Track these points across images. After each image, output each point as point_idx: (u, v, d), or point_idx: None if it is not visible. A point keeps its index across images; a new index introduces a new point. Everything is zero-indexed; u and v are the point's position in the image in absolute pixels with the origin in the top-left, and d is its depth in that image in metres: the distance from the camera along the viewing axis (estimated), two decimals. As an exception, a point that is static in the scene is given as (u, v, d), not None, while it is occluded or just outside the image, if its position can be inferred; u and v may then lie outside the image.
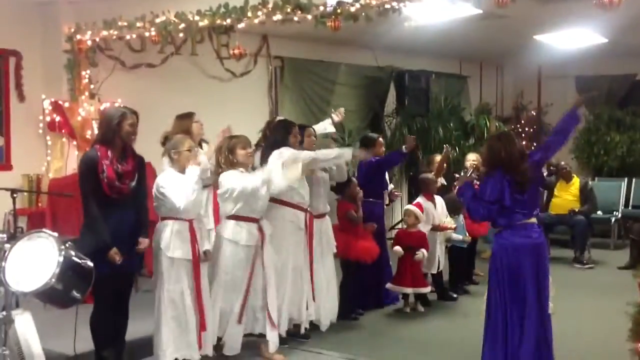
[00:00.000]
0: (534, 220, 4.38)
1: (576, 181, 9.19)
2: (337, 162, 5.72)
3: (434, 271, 6.83)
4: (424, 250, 6.47)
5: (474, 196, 4.41)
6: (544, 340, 4.29)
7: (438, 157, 7.47)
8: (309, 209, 5.53)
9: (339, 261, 6.17)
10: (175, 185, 4.58)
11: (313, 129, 5.92)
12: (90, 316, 4.58)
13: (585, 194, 9.09)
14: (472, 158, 7.72)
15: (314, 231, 5.60)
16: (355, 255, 6.06)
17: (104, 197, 4.41)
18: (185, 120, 5.62)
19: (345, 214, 6.12)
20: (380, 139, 6.80)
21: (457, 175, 7.46)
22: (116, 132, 4.51)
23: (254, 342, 5.17)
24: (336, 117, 6.33)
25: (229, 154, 4.91)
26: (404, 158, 6.78)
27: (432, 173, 7.10)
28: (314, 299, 5.61)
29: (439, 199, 6.95)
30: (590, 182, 9.53)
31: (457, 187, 4.57)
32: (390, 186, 7.20)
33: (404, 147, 6.51)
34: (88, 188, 4.42)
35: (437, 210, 6.87)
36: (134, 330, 4.87)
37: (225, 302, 4.94)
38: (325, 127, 6.38)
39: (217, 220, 5.82)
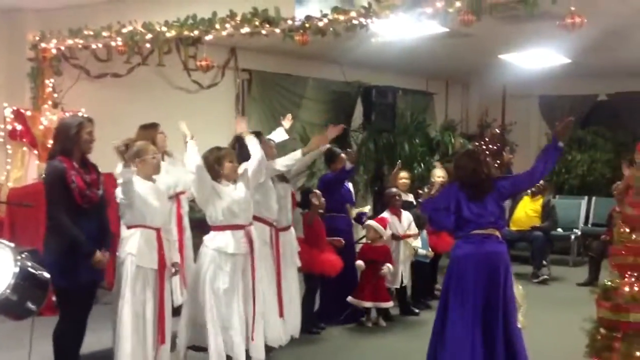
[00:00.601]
0: (492, 231, 4.40)
1: (541, 198, 9.32)
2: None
3: (397, 285, 6.86)
4: (389, 265, 6.51)
5: (435, 208, 4.54)
6: (511, 353, 4.32)
7: (403, 173, 7.52)
8: (274, 223, 5.51)
9: (301, 275, 6.16)
10: (141, 193, 4.53)
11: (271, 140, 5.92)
12: (55, 329, 4.50)
13: (547, 211, 9.23)
14: (438, 174, 7.79)
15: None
16: (319, 268, 6.06)
17: (74, 207, 4.35)
18: (149, 131, 5.58)
19: (307, 218, 6.10)
20: (343, 155, 6.77)
21: (420, 192, 7.55)
22: (75, 142, 4.45)
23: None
24: (286, 123, 6.27)
25: (215, 165, 4.88)
26: (350, 174, 6.72)
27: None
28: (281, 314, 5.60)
29: (405, 214, 6.98)
30: (552, 200, 9.68)
31: (421, 202, 4.66)
32: (366, 208, 7.20)
33: (347, 163, 6.49)
34: (57, 198, 4.36)
35: (403, 224, 6.91)
36: (91, 343, 4.78)
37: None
38: (279, 135, 6.42)
39: (179, 231, 5.80)
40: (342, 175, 6.59)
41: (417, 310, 7.00)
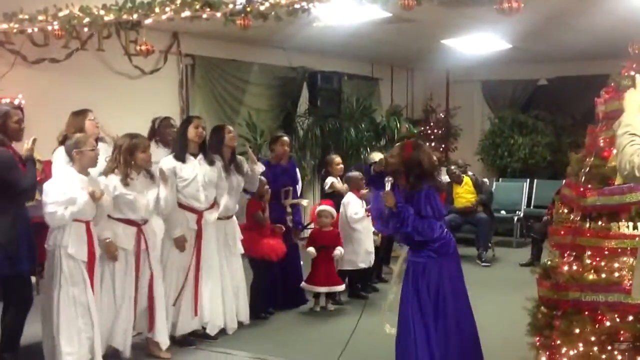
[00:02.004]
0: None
1: (467, 180, 9.39)
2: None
3: (367, 265, 6.89)
4: (340, 248, 6.55)
5: (418, 215, 4.22)
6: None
7: (338, 159, 7.56)
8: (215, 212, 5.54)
9: (247, 261, 6.15)
10: (64, 186, 4.43)
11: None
12: (1, 318, 4.49)
13: (479, 186, 9.34)
14: (376, 157, 7.83)
15: (217, 233, 5.60)
16: (261, 252, 6.06)
17: (10, 194, 4.32)
18: (78, 117, 5.41)
19: (252, 215, 6.10)
20: (284, 138, 6.74)
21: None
22: (4, 131, 4.40)
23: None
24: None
25: (128, 156, 4.80)
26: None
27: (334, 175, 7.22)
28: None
29: (360, 203, 6.99)
30: (477, 176, 9.78)
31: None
32: (304, 202, 7.17)
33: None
34: (17, 177, 4.31)
35: (365, 204, 6.93)
36: (30, 333, 4.70)
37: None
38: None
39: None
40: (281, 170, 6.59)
41: (366, 295, 7.05)
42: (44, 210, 4.42)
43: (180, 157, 5.32)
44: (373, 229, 6.99)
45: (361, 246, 6.84)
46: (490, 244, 9.19)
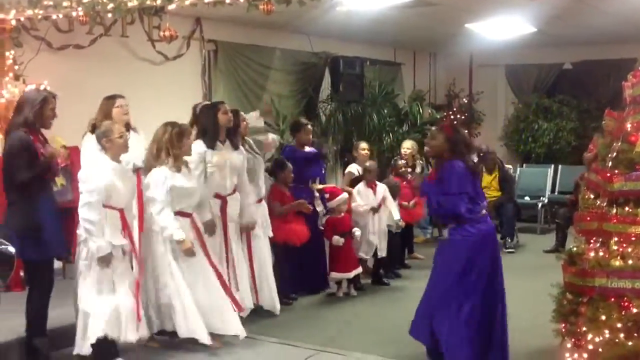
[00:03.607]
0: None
1: (496, 172, 9.29)
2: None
3: (369, 256, 6.88)
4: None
5: (441, 192, 4.30)
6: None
7: (364, 145, 7.53)
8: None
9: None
10: (97, 179, 4.46)
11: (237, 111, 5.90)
12: (29, 303, 4.51)
13: (502, 184, 9.20)
14: (407, 146, 7.82)
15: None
16: (284, 237, 6.07)
17: (39, 180, 4.35)
18: (107, 103, 5.43)
19: (271, 206, 6.10)
20: (309, 126, 6.76)
21: (393, 162, 7.56)
22: (38, 116, 4.40)
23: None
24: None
25: (176, 143, 4.82)
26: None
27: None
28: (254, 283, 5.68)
29: (381, 186, 6.98)
30: (508, 168, 9.66)
31: (420, 187, 4.48)
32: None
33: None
34: (27, 166, 4.31)
35: (377, 197, 6.92)
36: (52, 318, 4.74)
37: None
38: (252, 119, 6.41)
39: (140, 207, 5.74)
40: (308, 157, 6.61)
41: (387, 281, 7.05)
42: (81, 199, 4.43)
43: (211, 144, 5.32)
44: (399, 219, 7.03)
45: (362, 237, 6.79)
46: (514, 231, 9.13)
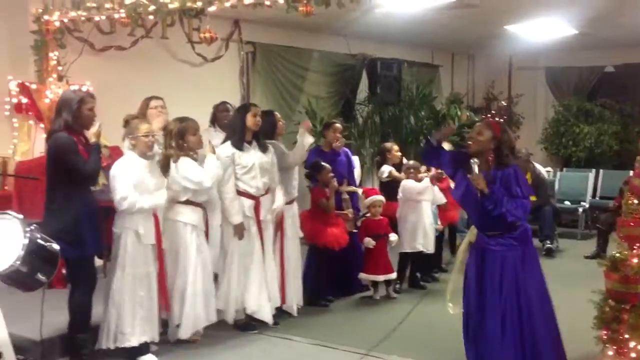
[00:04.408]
0: None
1: (528, 174, 9.15)
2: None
3: (431, 249, 6.85)
4: (395, 235, 6.55)
5: (511, 197, 4.12)
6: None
7: (395, 146, 7.49)
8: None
9: (307, 248, 6.20)
10: (127, 174, 4.53)
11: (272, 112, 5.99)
12: (71, 300, 4.59)
13: (537, 186, 9.05)
14: (446, 148, 7.71)
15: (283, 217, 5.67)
16: (323, 241, 6.07)
17: (77, 178, 4.40)
18: (144, 104, 5.59)
19: (317, 202, 6.12)
20: (337, 124, 6.74)
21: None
22: (76, 117, 4.46)
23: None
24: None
25: (179, 139, 4.89)
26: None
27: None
28: (283, 285, 5.65)
29: (424, 181, 6.92)
30: (541, 170, 9.50)
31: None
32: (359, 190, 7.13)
33: None
34: (74, 164, 4.39)
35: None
36: (99, 314, 4.79)
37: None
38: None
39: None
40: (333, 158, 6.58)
41: (424, 285, 7.00)
42: (113, 196, 4.51)
43: (239, 145, 5.36)
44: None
45: (419, 228, 6.74)
46: (554, 234, 8.99)
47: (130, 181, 4.51)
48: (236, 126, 5.42)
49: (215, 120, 6.19)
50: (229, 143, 5.38)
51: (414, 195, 6.71)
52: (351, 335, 5.42)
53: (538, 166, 9.46)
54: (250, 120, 5.39)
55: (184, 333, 4.99)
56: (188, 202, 4.99)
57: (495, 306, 4.12)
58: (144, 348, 4.66)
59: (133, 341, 4.59)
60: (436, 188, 6.88)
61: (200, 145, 5.04)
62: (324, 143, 6.70)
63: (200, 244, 5.04)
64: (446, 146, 7.72)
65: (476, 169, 4.12)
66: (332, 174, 6.20)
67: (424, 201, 6.75)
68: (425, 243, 6.79)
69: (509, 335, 4.10)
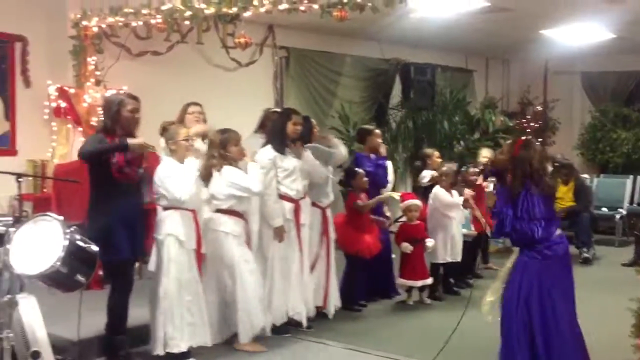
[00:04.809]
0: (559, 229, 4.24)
1: (573, 182, 9.03)
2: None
3: (459, 258, 6.80)
4: (431, 240, 6.51)
5: (515, 216, 4.09)
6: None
7: (436, 152, 7.44)
8: (318, 203, 5.70)
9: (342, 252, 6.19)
10: (176, 176, 4.57)
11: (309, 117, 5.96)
12: (109, 301, 4.63)
13: (578, 193, 8.92)
14: (485, 154, 7.66)
15: (318, 222, 5.69)
16: (356, 249, 6.06)
17: (111, 183, 4.43)
18: (182, 109, 5.65)
19: (353, 203, 6.11)
20: (377, 130, 6.75)
21: (464, 169, 7.44)
22: (116, 120, 4.50)
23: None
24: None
25: (221, 149, 4.94)
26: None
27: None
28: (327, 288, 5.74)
29: (455, 193, 6.87)
30: (585, 181, 9.37)
31: (495, 204, 4.26)
32: (395, 194, 7.10)
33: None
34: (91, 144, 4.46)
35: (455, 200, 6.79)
36: (131, 317, 4.84)
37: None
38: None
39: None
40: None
41: (458, 290, 6.95)
42: (170, 195, 4.56)
43: (280, 149, 5.39)
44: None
45: (450, 237, 6.71)
46: (590, 241, 8.86)
47: (179, 177, 4.55)
48: (277, 131, 5.45)
49: (264, 127, 6.14)
50: (269, 147, 5.41)
51: (442, 207, 6.67)
52: (385, 341, 5.40)
53: None
54: (291, 128, 5.44)
55: (243, 338, 4.99)
56: (229, 212, 4.98)
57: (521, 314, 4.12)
58: (190, 353, 4.68)
59: (182, 346, 4.60)
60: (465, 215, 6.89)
61: (241, 155, 5.05)
62: (365, 149, 6.66)
63: (243, 253, 5.01)
64: (485, 151, 7.72)
65: (490, 187, 4.12)
66: (366, 179, 6.20)
67: (450, 216, 6.71)
68: (453, 254, 6.74)
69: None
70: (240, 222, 5.04)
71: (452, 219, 6.72)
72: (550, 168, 4.16)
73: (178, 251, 4.60)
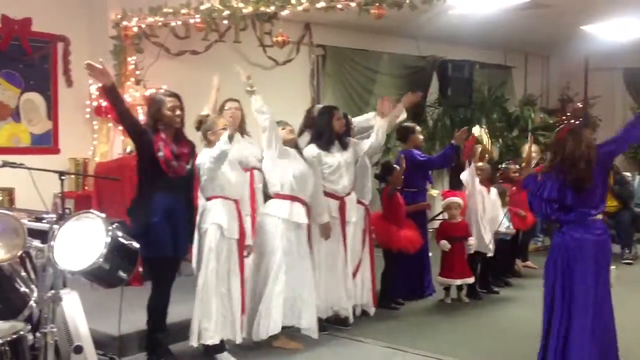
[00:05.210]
0: (598, 217, 4.16)
1: (611, 177, 8.85)
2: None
3: (490, 253, 6.68)
4: (473, 239, 6.45)
5: (534, 192, 4.25)
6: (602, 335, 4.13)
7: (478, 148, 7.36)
8: (362, 199, 5.70)
9: (381, 250, 6.17)
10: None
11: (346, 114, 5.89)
12: (149, 298, 4.67)
13: (621, 190, 8.76)
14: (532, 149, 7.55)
15: (361, 220, 5.70)
16: (398, 245, 6.04)
17: (160, 177, 4.47)
18: (220, 105, 5.73)
19: (387, 194, 6.08)
20: (418, 127, 6.73)
21: (500, 167, 7.38)
22: (158, 118, 4.56)
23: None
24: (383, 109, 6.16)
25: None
26: (456, 151, 6.47)
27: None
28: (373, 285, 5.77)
29: (493, 190, 6.82)
30: (626, 177, 9.20)
31: (522, 178, 4.42)
32: (434, 192, 7.07)
33: (453, 141, 6.40)
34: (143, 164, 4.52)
35: (491, 197, 6.75)
36: (177, 313, 4.91)
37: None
38: (368, 120, 6.40)
39: (252, 205, 5.83)
40: (449, 156, 6.44)
41: (496, 289, 6.88)
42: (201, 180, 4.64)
43: (326, 147, 5.41)
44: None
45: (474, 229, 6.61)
46: (632, 241, 8.69)
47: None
48: (324, 129, 5.46)
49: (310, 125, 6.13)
50: (313, 145, 5.43)
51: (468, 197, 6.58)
52: (421, 339, 5.38)
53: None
54: (337, 124, 5.47)
55: (262, 333, 4.95)
56: (281, 196, 5.01)
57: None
58: (222, 346, 4.70)
59: (215, 338, 4.61)
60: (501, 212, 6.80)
61: (291, 136, 5.18)
62: (408, 146, 6.60)
63: (290, 240, 4.96)
64: (534, 148, 7.61)
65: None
66: (403, 176, 6.17)
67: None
68: (479, 245, 6.58)
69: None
70: (290, 204, 5.00)
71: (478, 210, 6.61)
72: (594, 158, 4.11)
73: (219, 240, 4.61)
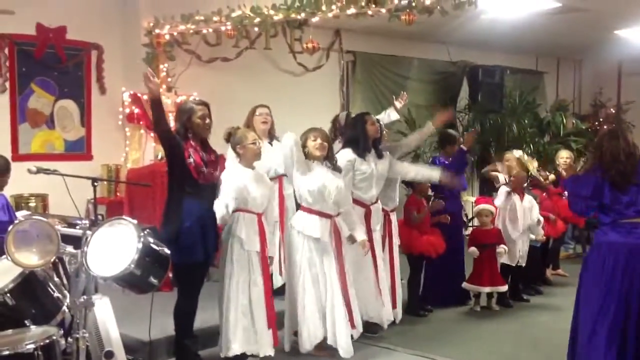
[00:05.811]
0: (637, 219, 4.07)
1: None
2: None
3: (513, 263, 6.64)
4: (504, 246, 6.38)
5: (573, 192, 4.30)
6: None
7: (510, 155, 7.27)
8: (384, 207, 5.65)
9: (405, 257, 6.15)
10: (244, 181, 4.61)
11: (377, 119, 5.89)
12: (176, 304, 4.69)
13: None
14: (565, 155, 7.46)
15: (380, 226, 5.65)
16: (419, 249, 6.01)
17: (190, 182, 4.50)
18: (250, 112, 5.76)
19: (408, 215, 6.07)
20: (461, 138, 6.72)
21: (533, 174, 7.28)
22: (188, 127, 4.59)
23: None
24: (399, 103, 6.50)
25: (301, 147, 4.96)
26: (465, 155, 6.39)
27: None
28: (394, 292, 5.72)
29: (529, 197, 6.70)
30: None
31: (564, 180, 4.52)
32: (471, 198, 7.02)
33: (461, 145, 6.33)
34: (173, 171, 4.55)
35: (525, 205, 6.62)
36: (205, 319, 4.95)
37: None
38: (389, 114, 6.45)
39: (281, 212, 5.85)
40: (461, 162, 6.36)
41: (527, 297, 6.80)
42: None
43: (362, 154, 5.40)
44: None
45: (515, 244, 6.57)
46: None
47: (233, 189, 4.55)
48: (359, 136, 5.45)
49: (340, 134, 6.12)
50: (349, 150, 5.42)
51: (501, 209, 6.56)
52: (451, 347, 5.34)
53: None
54: (371, 129, 5.47)
55: (305, 345, 4.94)
56: (304, 208, 5.00)
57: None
58: (243, 358, 4.69)
59: (236, 349, 4.60)
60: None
61: (321, 151, 5.03)
62: (446, 153, 6.52)
63: (312, 256, 4.93)
64: (566, 153, 7.51)
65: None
66: (429, 185, 6.14)
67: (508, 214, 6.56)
68: (509, 257, 6.53)
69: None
70: (317, 220, 4.97)
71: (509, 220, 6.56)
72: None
73: (239, 252, 4.62)
